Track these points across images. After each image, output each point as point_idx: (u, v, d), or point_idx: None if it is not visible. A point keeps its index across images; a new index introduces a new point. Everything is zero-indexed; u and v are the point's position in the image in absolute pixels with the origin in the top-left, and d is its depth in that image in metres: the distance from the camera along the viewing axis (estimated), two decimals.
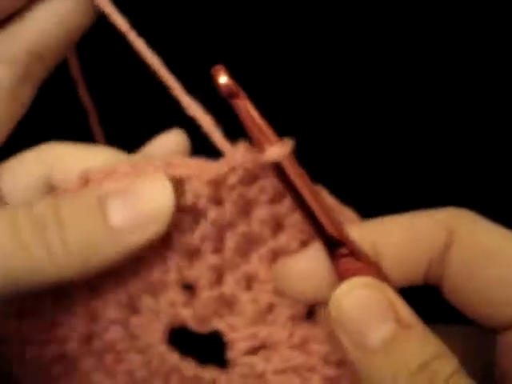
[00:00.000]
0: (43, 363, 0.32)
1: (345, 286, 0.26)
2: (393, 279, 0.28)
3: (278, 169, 0.27)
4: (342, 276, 0.27)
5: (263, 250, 0.30)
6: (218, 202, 0.29)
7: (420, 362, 0.25)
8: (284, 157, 0.27)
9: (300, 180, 0.27)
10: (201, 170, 0.28)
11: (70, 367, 0.32)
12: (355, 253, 0.27)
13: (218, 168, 0.28)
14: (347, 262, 0.27)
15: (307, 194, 0.27)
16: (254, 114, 0.27)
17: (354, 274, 0.27)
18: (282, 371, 0.31)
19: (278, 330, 0.31)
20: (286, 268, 0.30)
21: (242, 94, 0.27)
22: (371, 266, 0.27)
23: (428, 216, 0.28)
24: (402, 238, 0.28)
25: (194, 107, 0.28)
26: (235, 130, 0.28)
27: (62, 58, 0.32)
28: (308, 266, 0.29)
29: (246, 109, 0.27)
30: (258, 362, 0.31)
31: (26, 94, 0.31)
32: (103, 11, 0.29)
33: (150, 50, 0.29)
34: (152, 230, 0.27)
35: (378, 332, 0.25)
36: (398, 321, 0.25)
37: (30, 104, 0.32)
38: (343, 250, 0.27)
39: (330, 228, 0.27)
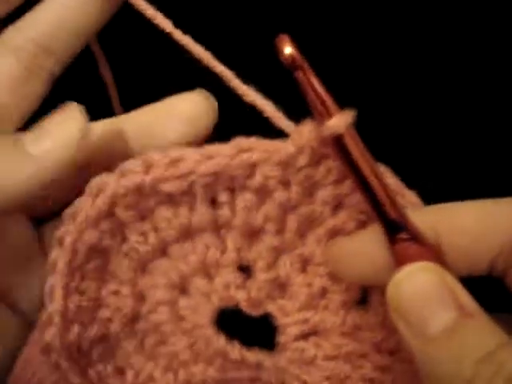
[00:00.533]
0: (83, 345, 0.30)
1: (404, 271, 0.25)
2: (455, 269, 0.26)
3: (338, 143, 0.26)
4: (400, 261, 0.26)
5: (320, 231, 0.29)
6: (285, 183, 0.28)
7: (484, 353, 0.23)
8: (344, 129, 0.25)
9: (361, 156, 0.26)
10: (270, 151, 0.27)
11: (111, 349, 0.31)
12: (416, 238, 0.26)
13: (286, 149, 0.27)
14: (407, 247, 0.26)
15: (368, 172, 0.26)
16: (319, 87, 0.25)
17: (414, 259, 0.25)
18: (333, 358, 0.30)
19: (330, 316, 0.30)
20: (341, 248, 0.28)
21: (306, 65, 0.25)
22: (433, 252, 0.26)
23: (504, 203, 0.27)
24: (471, 225, 0.26)
25: (251, 93, 0.27)
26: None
27: (75, 55, 0.31)
28: (365, 247, 0.27)
29: (311, 82, 0.25)
30: (309, 347, 0.30)
31: (35, 88, 0.30)
32: (143, 13, 0.28)
33: (198, 45, 0.28)
34: (63, 154, 0.27)
35: (439, 320, 0.24)
36: (460, 308, 0.24)
37: (41, 102, 0.30)
38: (403, 235, 0.26)
39: (391, 210, 0.26)
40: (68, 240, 0.28)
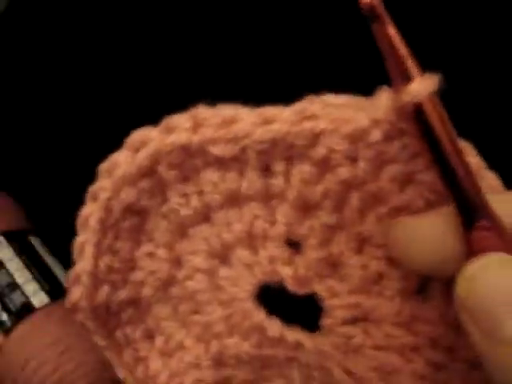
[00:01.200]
0: (112, 307, 0.29)
1: (479, 263, 0.22)
2: None
3: (417, 112, 0.22)
4: (475, 252, 0.22)
5: (383, 209, 0.26)
6: (351, 158, 0.25)
7: None
8: (425, 96, 0.22)
9: (443, 129, 0.22)
10: (339, 121, 0.24)
11: (141, 313, 0.30)
12: (496, 227, 0.22)
13: (358, 121, 0.23)
14: (485, 237, 0.22)
15: (450, 148, 0.22)
16: (399, 45, 0.22)
17: (490, 250, 0.22)
18: (383, 348, 0.28)
19: (384, 303, 0.27)
20: (405, 230, 0.25)
21: (386, 17, 0.22)
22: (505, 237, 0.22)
23: None
24: None
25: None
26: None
27: None
28: (434, 231, 0.24)
29: (389, 37, 0.22)
30: (358, 334, 0.28)
31: None
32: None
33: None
34: None
35: None
36: None
37: None
38: (481, 222, 0.22)
39: (471, 193, 0.22)
40: (102, 196, 0.26)
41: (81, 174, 0.44)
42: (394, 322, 0.27)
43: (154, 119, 0.28)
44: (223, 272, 0.28)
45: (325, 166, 0.25)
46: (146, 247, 0.28)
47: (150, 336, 0.31)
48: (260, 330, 0.29)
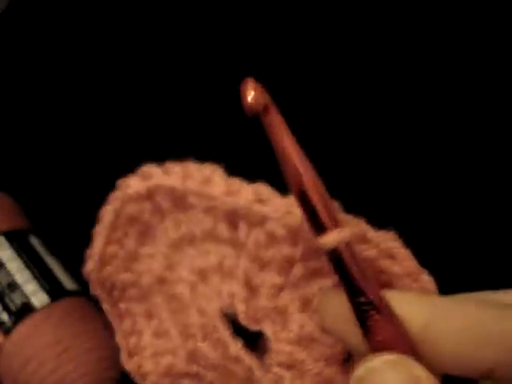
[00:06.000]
0: (117, 284, 0.35)
1: (366, 364, 0.23)
2: (438, 364, 0.24)
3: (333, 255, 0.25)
4: (372, 341, 0.24)
5: (327, 282, 0.29)
6: (295, 241, 0.29)
7: None
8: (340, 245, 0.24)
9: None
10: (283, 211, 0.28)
11: (143, 294, 0.36)
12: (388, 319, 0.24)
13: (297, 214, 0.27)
14: (380, 330, 0.24)
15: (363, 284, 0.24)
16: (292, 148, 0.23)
17: (385, 345, 0.24)
18: None
19: (310, 362, 0.31)
20: (329, 302, 0.28)
21: (271, 112, 0.22)
22: (402, 334, 0.24)
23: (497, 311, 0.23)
24: (461, 333, 0.23)
25: None
26: None
27: None
28: (341, 308, 0.26)
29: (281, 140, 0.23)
30: (287, 377, 0.32)
31: None
32: None
33: None
34: None
35: None
36: None
37: None
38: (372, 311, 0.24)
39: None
40: (114, 206, 0.32)
41: (81, 174, 0.45)
42: (314, 380, 0.31)
43: (153, 119, 0.29)
44: (201, 288, 0.33)
45: (272, 239, 0.29)
46: (148, 249, 0.34)
47: (148, 316, 0.36)
48: (224, 346, 0.33)
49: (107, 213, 0.33)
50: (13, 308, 0.39)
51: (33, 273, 0.41)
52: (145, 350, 0.37)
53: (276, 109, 0.22)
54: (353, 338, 0.26)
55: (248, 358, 0.33)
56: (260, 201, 0.28)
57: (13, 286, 0.40)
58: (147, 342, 0.37)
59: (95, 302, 0.38)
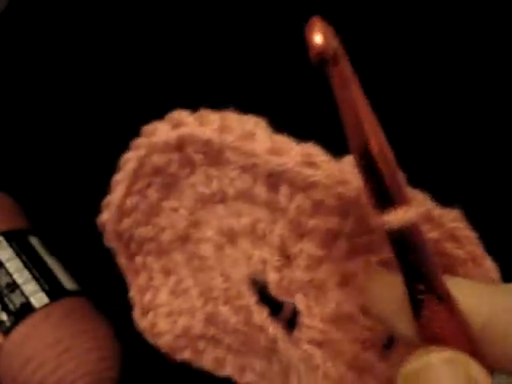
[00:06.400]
0: (135, 237, 0.32)
1: (418, 361, 0.21)
2: (496, 365, 0.22)
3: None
4: (424, 332, 0.22)
5: (372, 258, 0.26)
6: (345, 213, 0.25)
7: None
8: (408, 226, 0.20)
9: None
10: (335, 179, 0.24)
11: (161, 250, 0.33)
12: (451, 312, 0.22)
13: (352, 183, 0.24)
14: (434, 319, 0.22)
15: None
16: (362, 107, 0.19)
17: (438, 336, 0.22)
18: (332, 381, 0.29)
19: (345, 344, 0.28)
20: (379, 283, 0.25)
21: (342, 60, 0.18)
22: (461, 327, 0.22)
23: None
24: None
25: None
26: None
27: None
28: (398, 293, 0.24)
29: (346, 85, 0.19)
30: (318, 356, 0.29)
31: None
32: None
33: None
34: None
35: None
36: None
37: None
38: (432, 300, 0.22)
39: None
40: (138, 153, 0.29)
41: (81, 174, 0.45)
42: (348, 363, 0.28)
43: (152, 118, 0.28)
44: (228, 250, 0.30)
45: (319, 208, 0.26)
46: (172, 203, 0.31)
47: (165, 272, 0.34)
48: (248, 313, 0.31)
49: (129, 160, 0.29)
50: (12, 308, 0.39)
51: (32, 273, 0.41)
52: (160, 308, 0.34)
53: (347, 59, 0.19)
54: (401, 324, 0.24)
55: (273, 328, 0.30)
56: (310, 164, 0.24)
57: (12, 286, 0.40)
58: (163, 300, 0.34)
59: (95, 302, 0.38)
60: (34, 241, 0.43)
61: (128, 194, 0.30)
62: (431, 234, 0.24)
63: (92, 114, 0.49)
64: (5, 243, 0.41)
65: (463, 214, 0.24)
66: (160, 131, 0.28)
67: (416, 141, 0.38)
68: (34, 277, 0.40)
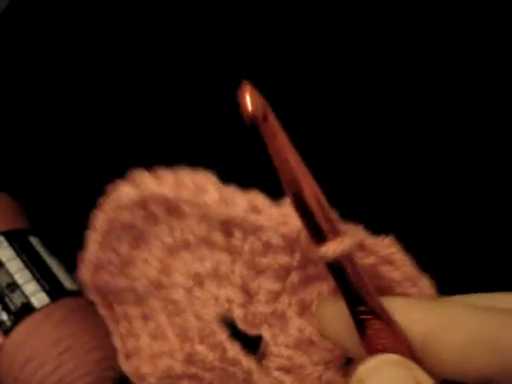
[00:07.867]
0: (112, 288, 0.35)
1: (366, 365, 0.23)
2: (441, 374, 0.24)
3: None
4: (369, 348, 0.24)
5: (324, 286, 0.29)
6: (291, 250, 0.28)
7: None
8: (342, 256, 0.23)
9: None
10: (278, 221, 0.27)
11: (138, 298, 0.35)
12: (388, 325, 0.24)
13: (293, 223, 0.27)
14: (378, 336, 0.24)
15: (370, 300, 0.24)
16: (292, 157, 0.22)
17: (384, 349, 0.24)
18: None
19: (309, 366, 0.31)
20: (328, 308, 0.28)
21: (270, 117, 0.21)
22: (402, 340, 0.24)
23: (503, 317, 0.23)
24: (462, 339, 0.23)
25: None
26: None
27: None
28: (340, 315, 0.26)
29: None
30: (287, 381, 0.32)
31: None
32: None
33: None
34: None
35: None
36: None
37: None
38: (374, 323, 0.24)
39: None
40: (108, 215, 0.32)
41: (81, 174, 0.45)
42: None
43: (152, 117, 0.29)
44: (197, 293, 0.33)
45: (269, 247, 0.29)
46: (142, 254, 0.34)
47: (144, 318, 0.36)
48: (222, 349, 0.33)
49: (100, 221, 0.32)
50: (13, 308, 0.39)
51: (33, 273, 0.41)
52: (142, 352, 0.37)
53: (274, 116, 0.21)
54: (351, 344, 0.26)
55: (246, 361, 0.33)
56: (255, 210, 0.28)
57: (13, 286, 0.40)
58: (145, 344, 0.37)
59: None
60: (35, 241, 0.43)
61: (101, 249, 0.33)
62: (367, 260, 0.26)
63: (92, 114, 0.49)
64: (5, 243, 0.41)
65: (396, 239, 0.27)
66: (124, 192, 0.31)
67: (347, 178, 0.41)
68: (35, 277, 0.40)
